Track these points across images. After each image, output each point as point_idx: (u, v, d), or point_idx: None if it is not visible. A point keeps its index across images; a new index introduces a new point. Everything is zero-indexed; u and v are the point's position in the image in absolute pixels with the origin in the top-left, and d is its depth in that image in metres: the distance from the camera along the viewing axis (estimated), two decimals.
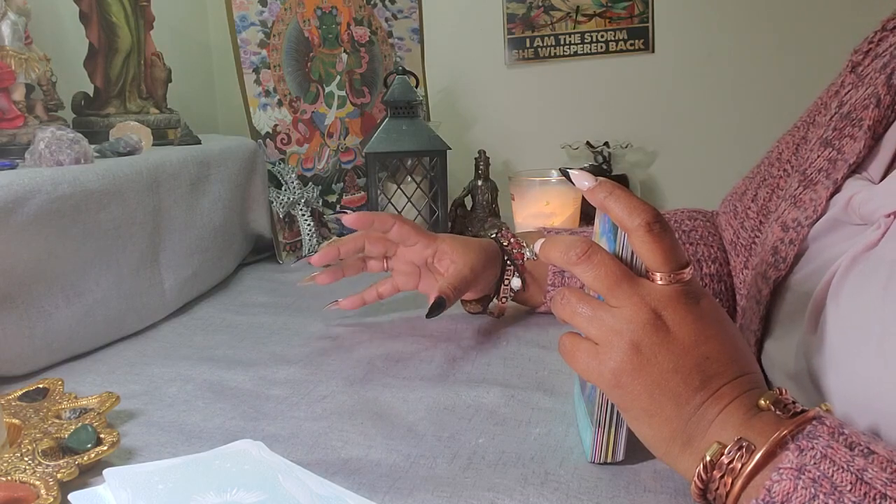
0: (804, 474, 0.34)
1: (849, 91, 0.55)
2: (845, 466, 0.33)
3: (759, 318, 0.54)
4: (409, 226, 0.75)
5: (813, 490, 0.33)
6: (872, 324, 0.40)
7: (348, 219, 0.72)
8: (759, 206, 0.65)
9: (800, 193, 0.53)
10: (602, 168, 1.46)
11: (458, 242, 0.75)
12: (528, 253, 0.77)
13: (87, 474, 0.47)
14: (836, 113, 0.54)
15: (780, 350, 0.51)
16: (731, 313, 0.67)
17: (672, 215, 0.75)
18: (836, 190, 0.50)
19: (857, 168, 0.50)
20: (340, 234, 1.17)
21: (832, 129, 0.53)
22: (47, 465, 0.46)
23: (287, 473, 0.45)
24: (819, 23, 1.47)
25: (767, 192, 0.64)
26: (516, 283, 0.77)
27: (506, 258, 0.77)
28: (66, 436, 0.49)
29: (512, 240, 0.78)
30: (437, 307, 0.68)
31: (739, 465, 0.36)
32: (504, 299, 0.78)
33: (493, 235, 0.79)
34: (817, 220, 0.50)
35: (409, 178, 1.12)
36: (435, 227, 1.13)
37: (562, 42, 1.54)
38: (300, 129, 1.16)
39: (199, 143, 0.99)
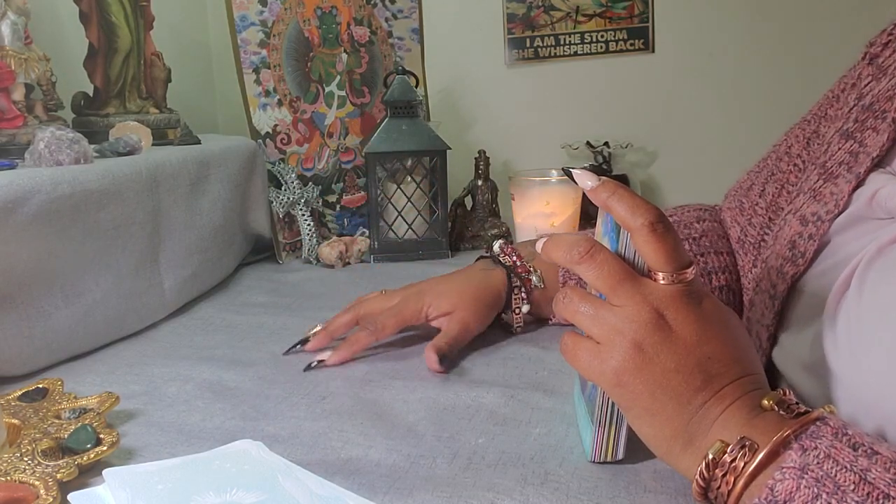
0: (807, 474, 0.33)
1: (869, 83, 0.53)
2: (848, 466, 0.33)
3: (773, 313, 0.53)
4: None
5: (816, 490, 0.33)
6: (892, 316, 0.40)
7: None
8: (767, 203, 0.64)
9: (820, 187, 0.52)
10: (602, 168, 1.45)
11: (444, 301, 0.70)
12: (535, 279, 0.73)
13: (87, 474, 0.47)
14: (856, 104, 0.53)
15: (796, 342, 0.50)
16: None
17: (680, 215, 0.72)
18: (859, 184, 0.49)
19: (880, 162, 0.49)
20: (340, 234, 1.17)
21: (853, 121, 0.52)
22: (47, 465, 0.46)
23: (287, 473, 0.45)
24: (819, 22, 1.46)
25: (776, 188, 0.63)
26: (525, 308, 0.74)
27: (514, 286, 0.74)
28: (66, 436, 0.49)
29: (519, 268, 0.74)
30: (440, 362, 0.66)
31: (742, 464, 0.36)
32: (518, 328, 0.75)
33: (498, 257, 0.75)
34: (838, 214, 0.49)
35: (409, 178, 1.12)
36: (435, 227, 1.13)
37: (562, 42, 1.54)
38: (300, 129, 1.16)
39: (198, 143, 0.99)
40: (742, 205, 0.68)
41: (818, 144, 0.57)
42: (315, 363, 0.67)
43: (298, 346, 0.71)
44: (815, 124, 0.62)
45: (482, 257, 0.78)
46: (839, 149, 0.52)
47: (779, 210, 0.62)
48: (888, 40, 0.54)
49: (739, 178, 0.72)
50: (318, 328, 0.72)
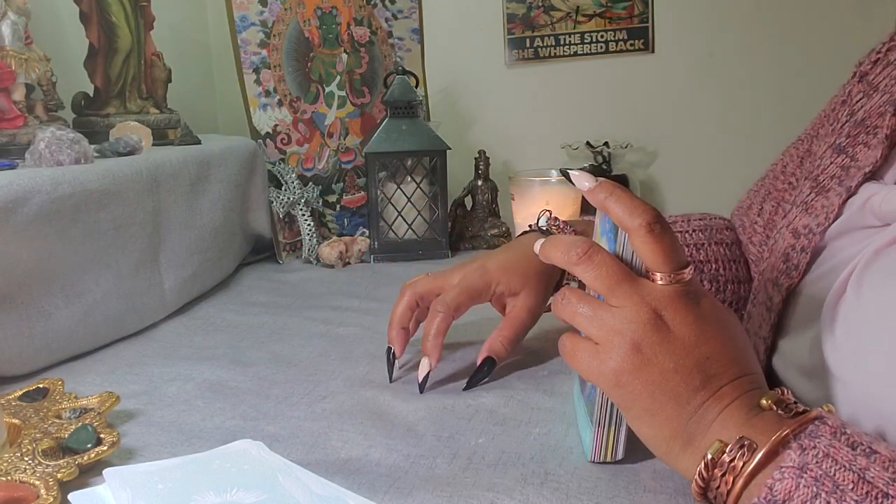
0: (806, 473, 0.34)
1: (860, 99, 0.54)
2: (847, 465, 0.33)
3: (770, 325, 0.53)
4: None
5: (815, 489, 0.33)
6: (892, 318, 0.40)
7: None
8: (765, 220, 0.64)
9: (811, 200, 0.53)
10: (602, 168, 1.46)
11: (512, 278, 0.65)
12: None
13: (87, 474, 0.47)
14: (848, 120, 0.54)
15: (795, 347, 0.51)
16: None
17: (710, 221, 0.70)
18: (850, 196, 0.50)
19: (872, 176, 0.50)
20: (340, 234, 1.17)
21: (845, 136, 0.53)
22: (47, 465, 0.46)
23: (287, 473, 0.45)
24: (819, 22, 1.47)
25: (773, 206, 0.64)
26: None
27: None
28: (66, 436, 0.49)
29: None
30: (484, 371, 0.61)
31: (741, 464, 0.36)
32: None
33: (551, 230, 0.68)
34: (829, 226, 0.50)
35: (409, 178, 1.12)
36: (435, 227, 1.13)
37: (562, 42, 1.54)
38: (300, 129, 1.16)
39: (199, 143, 0.99)
40: (743, 223, 0.68)
41: (810, 162, 0.58)
42: (421, 379, 0.60)
43: (395, 362, 0.63)
44: (808, 143, 0.63)
45: (526, 232, 0.72)
46: (831, 163, 0.53)
47: (775, 227, 0.62)
48: (877, 59, 0.55)
49: (742, 183, 0.73)
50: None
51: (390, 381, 0.63)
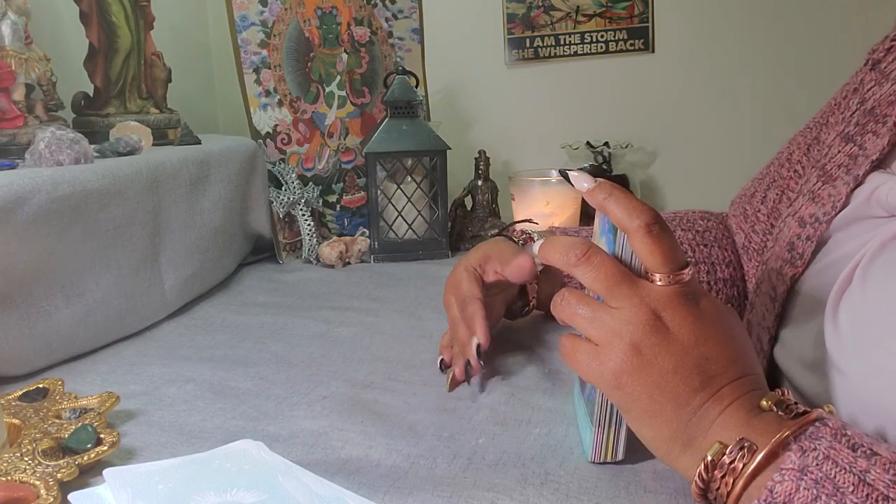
0: (806, 475, 0.33)
1: (871, 87, 0.53)
2: (848, 468, 0.33)
3: (774, 316, 0.53)
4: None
5: (815, 491, 0.33)
6: None
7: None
8: (769, 209, 0.64)
9: (818, 189, 0.52)
10: (602, 168, 1.46)
11: (485, 257, 0.67)
12: (535, 237, 0.71)
13: (87, 474, 0.47)
14: (858, 109, 0.53)
15: (798, 339, 0.50)
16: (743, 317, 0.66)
17: (684, 214, 0.72)
18: (857, 185, 0.49)
19: (879, 164, 0.49)
20: (340, 234, 1.17)
21: (854, 125, 0.52)
22: (47, 465, 0.46)
23: (287, 473, 0.45)
24: (820, 22, 1.47)
25: (777, 194, 0.64)
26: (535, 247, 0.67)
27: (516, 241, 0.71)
28: (67, 436, 0.49)
29: (523, 236, 0.72)
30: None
31: (741, 465, 0.36)
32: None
33: (500, 234, 0.73)
34: (836, 215, 0.50)
35: (409, 178, 1.12)
36: (435, 227, 1.13)
37: (562, 42, 1.54)
38: (300, 129, 1.16)
39: (199, 143, 0.99)
40: (746, 212, 0.68)
41: (818, 150, 0.58)
42: (475, 349, 0.60)
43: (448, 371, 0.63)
44: (817, 131, 0.62)
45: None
46: (839, 152, 0.52)
47: (779, 215, 0.62)
48: (891, 46, 0.54)
49: (743, 183, 0.72)
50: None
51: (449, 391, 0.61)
